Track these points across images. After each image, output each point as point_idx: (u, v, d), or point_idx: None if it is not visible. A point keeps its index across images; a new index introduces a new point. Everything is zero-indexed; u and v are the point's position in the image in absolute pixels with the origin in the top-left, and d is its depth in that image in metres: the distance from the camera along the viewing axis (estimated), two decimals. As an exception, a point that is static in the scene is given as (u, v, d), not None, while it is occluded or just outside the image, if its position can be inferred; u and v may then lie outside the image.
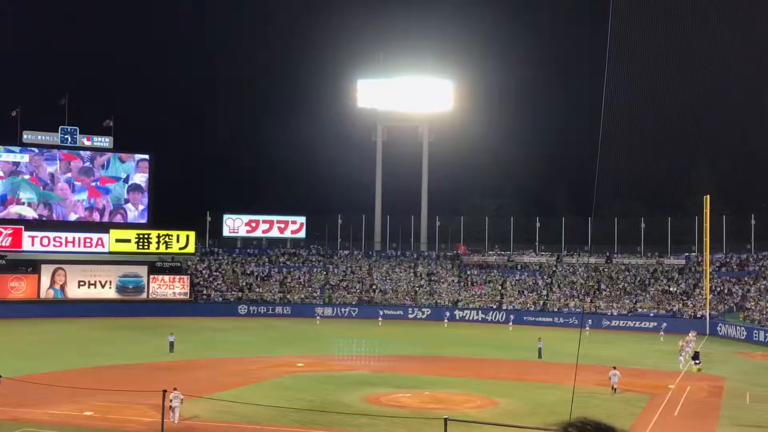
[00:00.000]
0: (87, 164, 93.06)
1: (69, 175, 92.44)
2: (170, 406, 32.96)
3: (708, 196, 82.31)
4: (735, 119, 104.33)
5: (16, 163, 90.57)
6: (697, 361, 53.62)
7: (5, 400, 29.05)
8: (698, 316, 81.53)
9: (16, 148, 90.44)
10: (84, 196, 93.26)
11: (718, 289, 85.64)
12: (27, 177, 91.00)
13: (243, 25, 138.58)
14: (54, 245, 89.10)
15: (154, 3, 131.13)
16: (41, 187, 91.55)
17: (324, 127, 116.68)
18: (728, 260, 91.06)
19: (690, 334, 65.29)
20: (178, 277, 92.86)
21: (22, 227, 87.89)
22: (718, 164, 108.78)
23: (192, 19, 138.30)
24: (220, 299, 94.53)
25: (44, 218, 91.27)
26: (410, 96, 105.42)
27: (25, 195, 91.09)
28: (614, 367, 44.57)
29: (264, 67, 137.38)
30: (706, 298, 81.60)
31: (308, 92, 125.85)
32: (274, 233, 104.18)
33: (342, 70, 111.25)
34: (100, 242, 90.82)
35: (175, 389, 33.77)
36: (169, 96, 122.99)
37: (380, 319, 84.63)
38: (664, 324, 76.25)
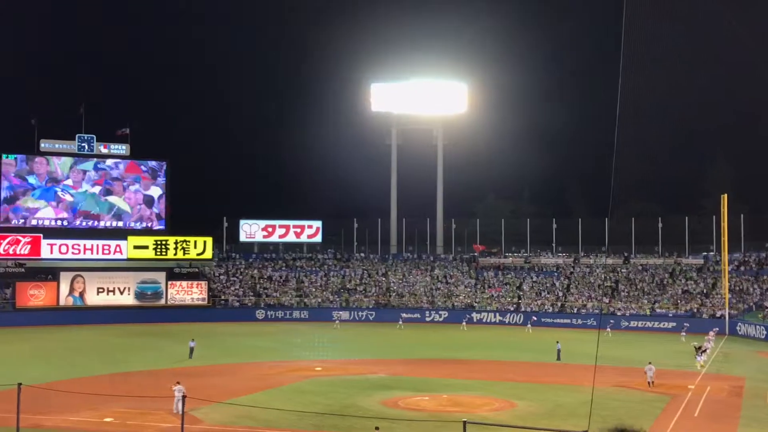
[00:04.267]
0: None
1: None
2: (175, 398, 35.41)
3: (725, 195, 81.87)
4: (752, 117, 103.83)
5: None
6: (699, 356, 54.10)
7: (26, 407, 29.19)
8: (717, 315, 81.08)
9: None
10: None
11: (737, 288, 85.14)
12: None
13: (257, 30, 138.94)
14: (72, 252, 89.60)
15: (167, 8, 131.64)
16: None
17: (338, 132, 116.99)
18: (747, 259, 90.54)
19: (710, 334, 65.03)
20: (195, 282, 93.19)
21: (41, 235, 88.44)
22: (736, 163, 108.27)
23: (207, 24, 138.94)
24: (238, 304, 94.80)
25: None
26: (424, 99, 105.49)
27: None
28: (649, 362, 45.77)
29: (277, 72, 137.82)
30: (725, 298, 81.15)
31: (322, 97, 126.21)
32: (291, 238, 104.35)
33: (356, 74, 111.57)
34: (118, 249, 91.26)
35: (178, 383, 36.31)
36: (183, 102, 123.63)
37: (401, 322, 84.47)
38: (686, 324, 75.78)
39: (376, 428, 29.43)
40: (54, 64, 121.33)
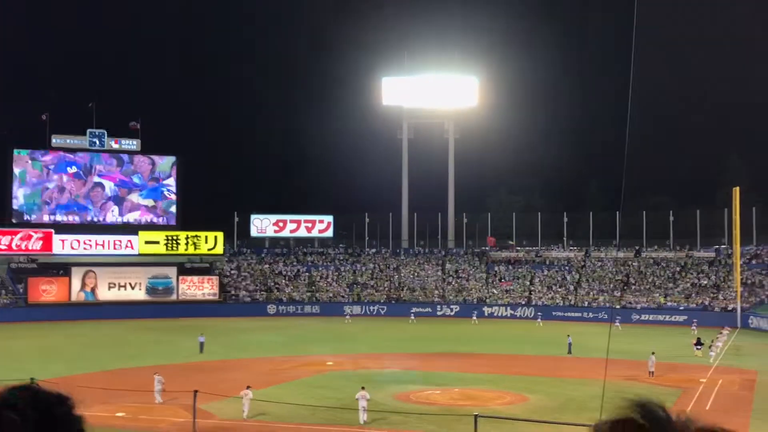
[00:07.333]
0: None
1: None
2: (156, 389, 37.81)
3: (737, 187, 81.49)
4: (765, 109, 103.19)
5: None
6: (698, 347, 54.92)
7: (39, 402, 29.28)
8: (729, 309, 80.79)
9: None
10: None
11: (749, 281, 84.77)
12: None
13: (267, 25, 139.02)
14: (84, 248, 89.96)
15: (176, 3, 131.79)
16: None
17: (350, 126, 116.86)
18: (759, 252, 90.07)
19: (722, 331, 64.79)
20: (207, 277, 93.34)
21: (53, 231, 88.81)
22: (748, 155, 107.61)
23: (217, 19, 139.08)
24: (249, 299, 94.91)
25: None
26: (435, 93, 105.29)
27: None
28: (653, 353, 46.93)
29: (289, 66, 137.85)
30: (736, 291, 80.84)
31: (333, 91, 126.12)
32: (302, 233, 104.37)
33: (366, 68, 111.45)
34: (129, 244, 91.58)
35: (156, 373, 38.63)
36: (194, 97, 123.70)
37: (413, 317, 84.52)
38: (694, 321, 75.34)
39: (362, 387, 32.70)
40: (65, 60, 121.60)
